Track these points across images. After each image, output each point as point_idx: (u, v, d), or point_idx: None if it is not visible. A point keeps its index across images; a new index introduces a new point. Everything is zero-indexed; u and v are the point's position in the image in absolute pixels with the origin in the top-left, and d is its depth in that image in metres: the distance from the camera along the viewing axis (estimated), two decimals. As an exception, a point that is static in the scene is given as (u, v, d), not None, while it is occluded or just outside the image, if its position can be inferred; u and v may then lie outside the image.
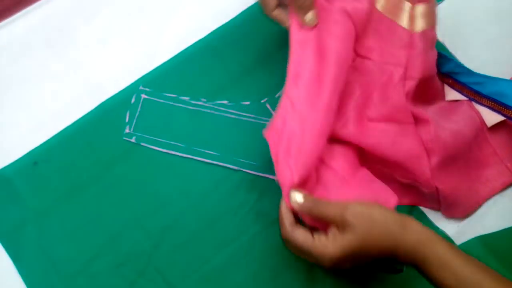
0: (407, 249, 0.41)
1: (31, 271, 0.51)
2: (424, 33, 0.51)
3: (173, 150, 0.56)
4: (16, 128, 0.57)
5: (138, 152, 0.56)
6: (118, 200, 0.54)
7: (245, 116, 0.58)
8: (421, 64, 0.51)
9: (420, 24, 0.51)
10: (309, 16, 0.47)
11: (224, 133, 0.57)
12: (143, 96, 0.58)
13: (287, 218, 0.44)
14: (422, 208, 0.55)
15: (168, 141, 0.56)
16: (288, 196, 0.44)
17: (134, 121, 0.57)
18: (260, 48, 0.61)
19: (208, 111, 0.58)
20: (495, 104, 0.53)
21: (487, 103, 0.54)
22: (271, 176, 0.55)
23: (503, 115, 0.53)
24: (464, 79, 0.55)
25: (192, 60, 0.60)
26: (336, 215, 0.42)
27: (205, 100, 0.58)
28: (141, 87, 0.58)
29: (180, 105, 0.58)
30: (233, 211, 0.54)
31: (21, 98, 0.58)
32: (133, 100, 0.58)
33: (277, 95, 0.58)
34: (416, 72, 0.51)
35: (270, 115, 0.57)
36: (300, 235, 0.43)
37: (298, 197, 0.44)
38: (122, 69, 0.59)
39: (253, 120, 0.58)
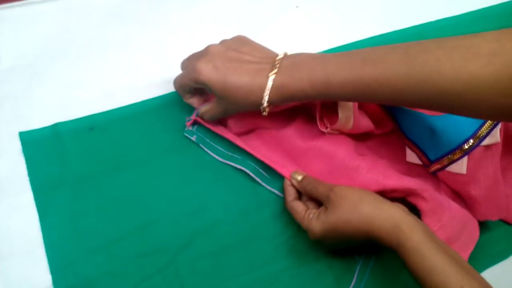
0: (383, 233, 0.44)
1: (54, 233, 0.50)
2: None
3: (229, 160, 0.55)
4: (85, 89, 0.56)
5: (193, 150, 0.55)
6: (159, 190, 0.53)
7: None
8: None
9: None
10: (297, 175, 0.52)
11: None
12: (214, 98, 0.57)
13: (288, 193, 0.52)
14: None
15: (226, 151, 0.55)
16: (290, 175, 0.52)
17: (199, 119, 0.56)
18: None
19: (273, 132, 0.57)
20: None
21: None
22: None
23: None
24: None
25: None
26: (323, 193, 0.48)
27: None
28: (215, 89, 0.58)
29: (247, 117, 0.57)
30: (268, 238, 0.53)
31: (97, 63, 0.58)
32: (204, 99, 0.57)
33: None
34: None
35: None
36: (295, 208, 0.50)
37: (298, 177, 0.51)
38: None
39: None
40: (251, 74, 0.46)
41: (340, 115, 0.51)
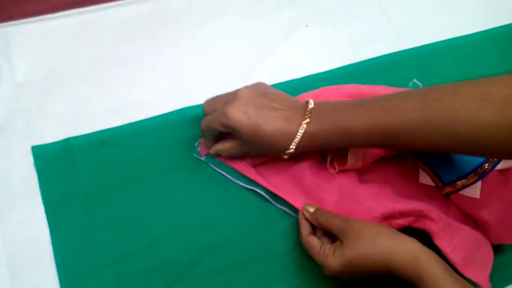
0: (403, 266, 0.44)
1: (64, 247, 0.50)
2: None
3: (239, 179, 0.55)
4: (97, 104, 0.56)
5: (203, 166, 0.55)
6: (169, 206, 0.53)
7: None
8: None
9: None
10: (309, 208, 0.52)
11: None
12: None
13: (303, 227, 0.51)
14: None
15: (235, 170, 0.55)
16: (302, 207, 0.52)
17: (209, 136, 0.56)
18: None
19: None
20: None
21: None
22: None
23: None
24: None
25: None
26: (339, 226, 0.47)
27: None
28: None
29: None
30: (278, 256, 0.53)
31: (109, 78, 0.58)
32: (213, 116, 0.57)
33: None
34: None
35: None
36: (310, 243, 0.49)
37: (310, 209, 0.51)
38: (211, 82, 0.59)
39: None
40: (282, 123, 0.47)
41: (349, 159, 0.52)
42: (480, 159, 0.50)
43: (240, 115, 0.47)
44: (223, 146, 0.52)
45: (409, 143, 0.44)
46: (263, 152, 0.51)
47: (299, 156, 0.54)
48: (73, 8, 0.61)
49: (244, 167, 0.54)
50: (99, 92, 0.57)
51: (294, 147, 0.47)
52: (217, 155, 0.54)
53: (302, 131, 0.47)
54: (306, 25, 0.67)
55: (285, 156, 0.50)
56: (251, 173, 0.54)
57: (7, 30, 0.58)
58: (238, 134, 0.48)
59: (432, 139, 0.42)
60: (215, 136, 0.52)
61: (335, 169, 0.53)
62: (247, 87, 0.50)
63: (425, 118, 0.42)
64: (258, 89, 0.50)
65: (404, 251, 0.44)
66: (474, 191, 0.51)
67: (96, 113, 0.56)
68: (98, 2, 0.62)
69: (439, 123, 0.41)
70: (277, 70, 0.62)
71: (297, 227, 0.53)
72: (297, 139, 0.47)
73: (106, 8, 0.62)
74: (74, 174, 0.53)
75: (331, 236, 0.50)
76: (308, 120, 0.47)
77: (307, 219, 0.51)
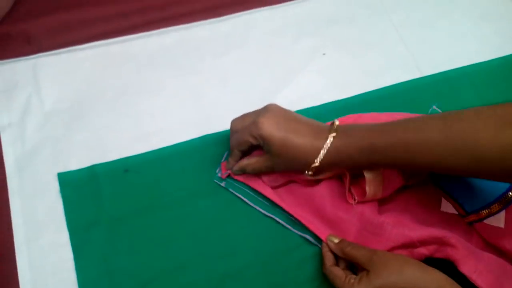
0: None
1: (87, 271, 0.51)
2: None
3: (259, 206, 0.55)
4: (121, 132, 0.58)
5: (224, 193, 0.56)
6: (190, 232, 0.54)
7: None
8: None
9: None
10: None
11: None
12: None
13: (327, 258, 0.51)
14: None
15: (256, 196, 0.56)
16: (326, 238, 0.52)
17: (229, 163, 0.57)
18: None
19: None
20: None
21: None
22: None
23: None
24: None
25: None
26: (365, 256, 0.47)
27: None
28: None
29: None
30: (299, 284, 0.53)
31: (133, 106, 0.60)
32: (234, 143, 0.58)
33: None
34: None
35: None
36: (335, 273, 0.49)
37: (335, 239, 0.52)
38: (232, 110, 0.59)
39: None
40: (311, 136, 0.49)
41: (367, 191, 0.52)
42: (503, 188, 0.49)
43: (272, 126, 0.48)
44: (248, 161, 0.53)
45: (428, 163, 0.45)
46: (288, 166, 0.51)
47: (318, 182, 0.55)
48: (99, 40, 0.64)
49: (264, 188, 0.55)
50: (123, 120, 0.59)
51: (319, 160, 0.48)
52: (239, 173, 0.55)
53: (329, 144, 0.48)
54: (324, 54, 0.68)
55: (310, 172, 0.50)
56: (271, 194, 0.54)
57: (37, 61, 0.61)
58: (267, 145, 0.49)
59: (452, 159, 0.43)
60: (243, 153, 0.54)
61: (354, 200, 0.53)
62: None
63: (446, 138, 0.43)
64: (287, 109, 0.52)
65: (431, 280, 0.44)
66: (498, 220, 0.50)
67: (120, 140, 0.58)
68: (123, 33, 0.64)
69: (459, 143, 0.43)
70: (296, 98, 0.63)
71: (318, 254, 0.53)
72: (323, 152, 0.48)
73: (131, 39, 0.64)
74: (98, 200, 0.54)
75: (352, 269, 0.50)
76: (334, 134, 0.48)
77: (331, 251, 0.51)
